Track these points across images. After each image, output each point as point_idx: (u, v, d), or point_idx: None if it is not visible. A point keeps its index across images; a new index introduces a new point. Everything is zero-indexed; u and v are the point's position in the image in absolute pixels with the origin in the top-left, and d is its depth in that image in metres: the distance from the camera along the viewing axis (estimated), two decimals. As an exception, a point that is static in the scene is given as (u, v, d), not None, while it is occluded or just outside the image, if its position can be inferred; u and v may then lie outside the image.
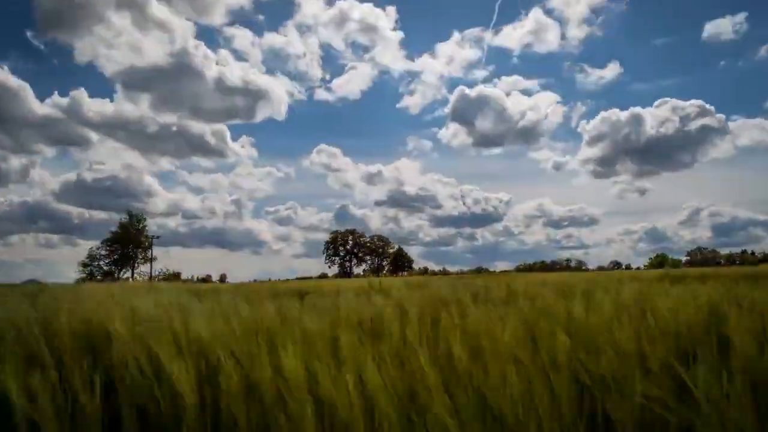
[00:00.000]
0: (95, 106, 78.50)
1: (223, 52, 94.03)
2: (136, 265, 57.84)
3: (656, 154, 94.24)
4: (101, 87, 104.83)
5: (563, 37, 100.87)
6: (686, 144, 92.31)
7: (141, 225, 58.53)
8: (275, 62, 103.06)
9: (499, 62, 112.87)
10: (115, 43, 79.47)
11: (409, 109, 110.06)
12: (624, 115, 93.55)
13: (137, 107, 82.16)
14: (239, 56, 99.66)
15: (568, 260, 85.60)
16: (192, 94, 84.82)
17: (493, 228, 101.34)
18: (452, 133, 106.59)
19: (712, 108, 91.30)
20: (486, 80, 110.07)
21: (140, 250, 57.64)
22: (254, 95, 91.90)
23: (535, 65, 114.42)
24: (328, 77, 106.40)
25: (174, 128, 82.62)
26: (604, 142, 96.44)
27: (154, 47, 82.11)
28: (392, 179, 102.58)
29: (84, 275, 54.71)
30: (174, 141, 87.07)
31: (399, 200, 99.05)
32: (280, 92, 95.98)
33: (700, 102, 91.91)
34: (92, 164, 79.98)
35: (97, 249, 56.80)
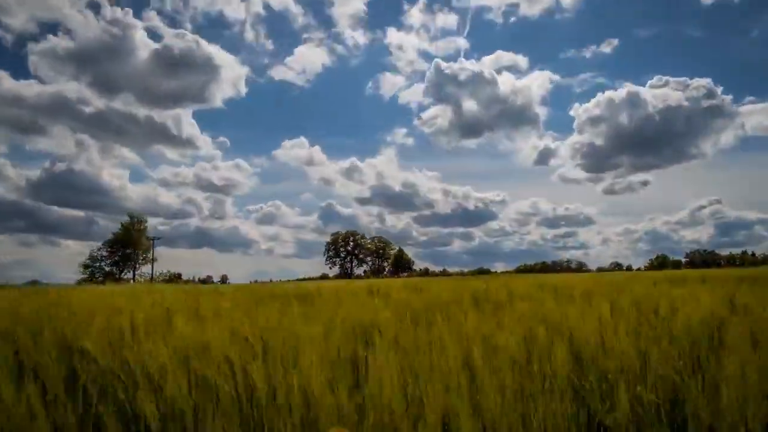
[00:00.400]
0: (28, 90, 71.60)
1: (151, 16, 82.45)
2: (137, 266, 57.89)
3: (656, 143, 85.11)
4: (23, 67, 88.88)
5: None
6: (689, 132, 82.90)
7: (142, 226, 58.60)
8: (213, 32, 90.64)
9: (481, 32, 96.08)
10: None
11: (381, 90, 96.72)
12: (621, 98, 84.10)
13: (74, 90, 75.70)
14: (172, 21, 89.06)
15: (568, 261, 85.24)
16: (133, 75, 77.21)
17: (487, 227, 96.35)
18: (432, 120, 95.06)
19: (720, 89, 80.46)
20: (468, 54, 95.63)
21: (141, 251, 57.66)
22: (202, 74, 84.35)
23: (522, 35, 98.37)
24: (282, 53, 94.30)
25: (131, 116, 77.18)
26: (599, 129, 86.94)
27: (77, 17, 73.12)
28: (372, 174, 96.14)
29: (85, 276, 54.80)
30: (136, 130, 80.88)
31: (384, 198, 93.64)
32: (231, 70, 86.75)
33: (706, 81, 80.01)
34: (56, 159, 76.32)
35: (99, 250, 56.89)
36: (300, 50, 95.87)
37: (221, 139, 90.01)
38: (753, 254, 79.39)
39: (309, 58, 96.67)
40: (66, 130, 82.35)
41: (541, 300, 3.70)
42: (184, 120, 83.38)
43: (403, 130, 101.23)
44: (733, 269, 24.11)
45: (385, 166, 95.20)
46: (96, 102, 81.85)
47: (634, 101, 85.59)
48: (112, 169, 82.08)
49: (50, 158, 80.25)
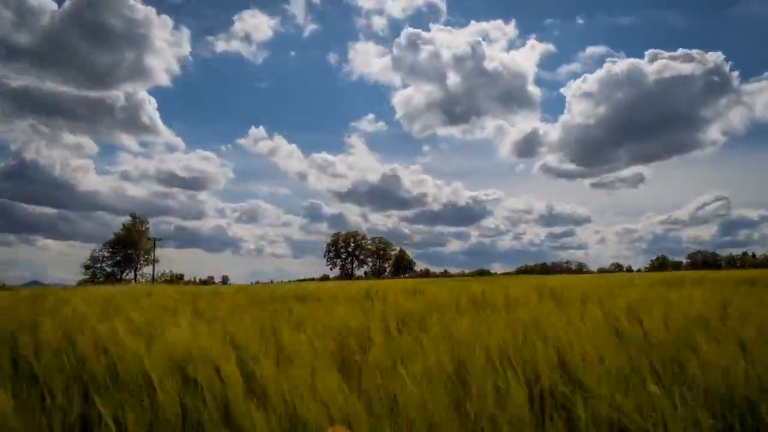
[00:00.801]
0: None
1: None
2: (138, 267, 57.91)
3: (657, 126, 76.21)
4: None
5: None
6: (693, 113, 73.51)
7: (144, 227, 58.62)
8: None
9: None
10: None
11: (346, 64, 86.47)
12: (619, 73, 75.55)
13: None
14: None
15: (568, 262, 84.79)
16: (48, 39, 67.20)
17: (481, 226, 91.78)
18: (408, 102, 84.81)
19: (728, 65, 71.91)
20: (448, 21, 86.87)
21: (142, 251, 57.69)
22: (132, 39, 74.41)
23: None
24: (221, 15, 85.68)
25: (74, 98, 70.91)
26: (595, 112, 77.35)
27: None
28: (348, 168, 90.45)
29: (86, 276, 54.84)
30: (81, 112, 74.84)
31: (365, 195, 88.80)
32: (165, 37, 76.87)
33: (716, 55, 70.79)
34: (10, 153, 71.41)
35: (100, 250, 56.94)
36: (243, 15, 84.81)
37: (178, 124, 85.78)
38: (753, 255, 79.08)
39: (252, 23, 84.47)
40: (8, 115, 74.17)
41: (537, 305, 3.72)
42: (130, 101, 76.43)
43: (376, 114, 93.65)
44: (733, 271, 24.08)
45: (360, 160, 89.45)
46: (24, 80, 73.68)
47: (633, 77, 76.24)
48: (72, 161, 77.82)
49: (2, 150, 75.28)
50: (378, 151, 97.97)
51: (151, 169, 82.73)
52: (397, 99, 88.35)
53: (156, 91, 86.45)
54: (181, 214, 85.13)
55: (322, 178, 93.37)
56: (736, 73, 73.99)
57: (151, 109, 76.81)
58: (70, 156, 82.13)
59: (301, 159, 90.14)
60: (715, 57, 72.24)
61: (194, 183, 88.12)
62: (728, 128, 76.50)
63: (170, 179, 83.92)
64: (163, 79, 78.93)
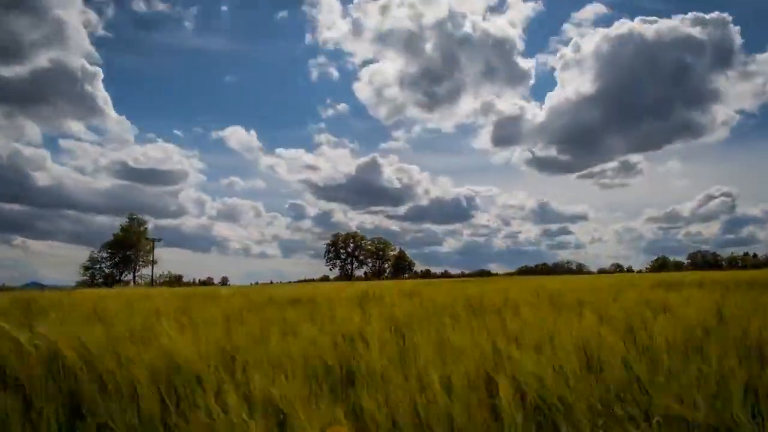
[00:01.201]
0: None
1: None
2: (137, 268, 57.86)
3: (658, 106, 68.47)
4: None
5: None
6: (696, 90, 65.38)
7: (142, 228, 58.58)
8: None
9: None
10: None
11: (306, 29, 76.08)
12: (614, 37, 67.99)
13: None
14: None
15: (569, 263, 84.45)
16: None
17: (473, 224, 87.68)
18: (376, 77, 76.42)
19: (737, 29, 64.60)
20: None
21: (141, 253, 57.64)
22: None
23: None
24: None
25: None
26: (590, 87, 69.81)
27: None
28: (317, 160, 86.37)
29: (86, 278, 54.79)
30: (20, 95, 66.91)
31: (348, 191, 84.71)
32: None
33: (723, 17, 62.79)
34: None
35: (99, 252, 56.90)
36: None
37: (127, 114, 79.90)
38: (754, 255, 78.85)
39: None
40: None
41: (536, 309, 3.69)
42: (59, 74, 68.80)
43: (337, 98, 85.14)
44: (734, 271, 24.02)
45: (330, 152, 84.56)
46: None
47: (631, 43, 67.46)
48: (25, 151, 72.59)
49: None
50: (347, 138, 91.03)
51: (103, 160, 79.48)
52: (364, 76, 77.68)
53: (87, 65, 75.30)
54: (157, 212, 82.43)
55: (293, 169, 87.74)
56: (743, 41, 68.43)
57: (90, 86, 70.86)
58: (19, 147, 76.09)
59: (263, 150, 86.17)
60: (722, 18, 65.80)
61: (160, 178, 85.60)
62: (738, 108, 69.54)
63: (126, 172, 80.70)
64: (88, 51, 70.75)
